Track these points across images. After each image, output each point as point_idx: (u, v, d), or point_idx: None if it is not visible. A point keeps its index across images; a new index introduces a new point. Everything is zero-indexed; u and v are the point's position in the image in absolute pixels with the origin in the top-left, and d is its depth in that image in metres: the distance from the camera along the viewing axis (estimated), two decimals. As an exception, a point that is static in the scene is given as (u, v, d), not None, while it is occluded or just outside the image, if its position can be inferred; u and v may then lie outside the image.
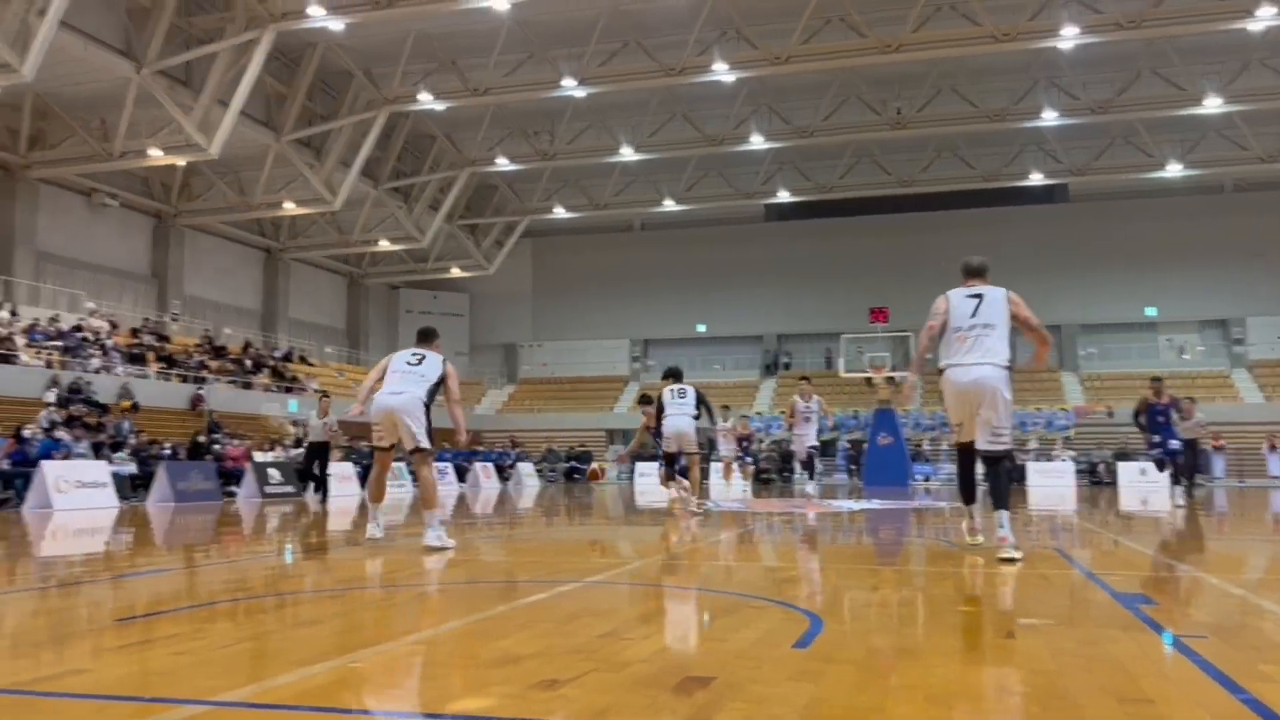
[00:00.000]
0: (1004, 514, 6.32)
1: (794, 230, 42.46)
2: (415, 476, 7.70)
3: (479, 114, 33.68)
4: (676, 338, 43.82)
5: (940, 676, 3.10)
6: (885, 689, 2.90)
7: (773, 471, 33.07)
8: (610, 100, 32.59)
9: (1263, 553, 8.08)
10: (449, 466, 27.32)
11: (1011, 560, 6.05)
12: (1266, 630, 3.95)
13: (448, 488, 25.41)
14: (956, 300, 6.56)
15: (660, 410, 12.13)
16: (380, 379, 7.77)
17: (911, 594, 5.17)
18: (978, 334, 6.36)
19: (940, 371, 6.55)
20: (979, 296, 6.50)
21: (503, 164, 35.74)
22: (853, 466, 32.71)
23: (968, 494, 7.04)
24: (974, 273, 6.75)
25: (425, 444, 7.43)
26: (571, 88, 29.37)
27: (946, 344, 6.42)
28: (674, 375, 12.53)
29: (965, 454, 6.71)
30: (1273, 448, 31.57)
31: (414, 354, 7.72)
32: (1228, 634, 3.76)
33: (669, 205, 38.99)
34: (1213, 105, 30.20)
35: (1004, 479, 6.51)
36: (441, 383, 7.73)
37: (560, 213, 40.32)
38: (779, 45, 27.78)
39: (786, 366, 43.51)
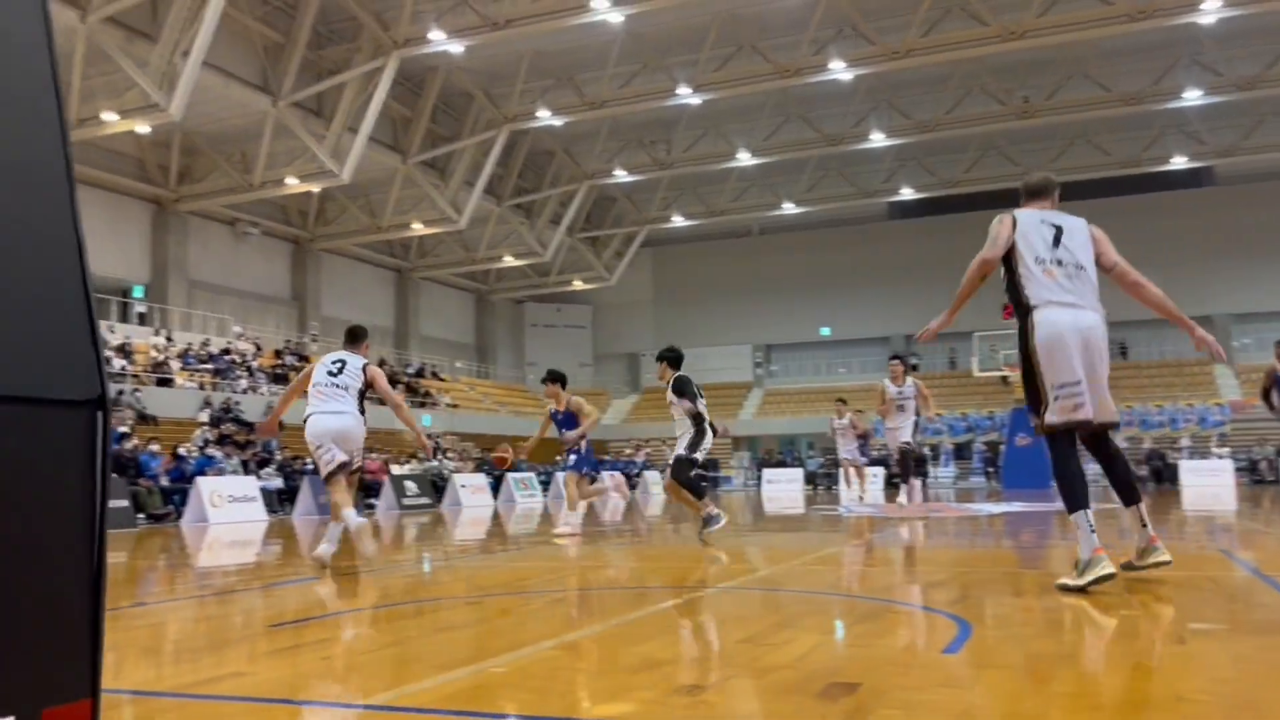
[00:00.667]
0: (1143, 506, 4.93)
1: (919, 228, 41.50)
2: (331, 490, 7.17)
3: (596, 127, 34.09)
4: (799, 342, 43.38)
5: (1106, 684, 2.91)
6: (1046, 697, 2.74)
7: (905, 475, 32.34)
8: (725, 106, 32.51)
9: None
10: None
11: (1166, 563, 4.85)
12: None
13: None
14: (1029, 224, 4.82)
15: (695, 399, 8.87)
16: (303, 390, 7.26)
17: (1074, 599, 4.91)
18: (1071, 273, 4.73)
19: (1026, 311, 4.76)
20: (1058, 227, 4.82)
21: (620, 175, 36.06)
22: (989, 469, 31.68)
23: (1083, 493, 4.68)
24: (1038, 192, 5.05)
25: (360, 463, 7.33)
26: (686, 95, 29.45)
27: (1029, 277, 4.74)
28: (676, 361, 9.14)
29: (1067, 439, 4.72)
30: None
31: (335, 361, 7.09)
32: None
33: (788, 208, 38.60)
34: (1374, 74, 28.20)
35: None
36: (368, 388, 7.07)
37: (679, 221, 40.41)
38: (897, 39, 27.22)
39: (914, 368, 42.52)
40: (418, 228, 33.25)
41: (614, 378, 45.76)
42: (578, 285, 42.74)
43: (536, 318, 45.38)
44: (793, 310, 42.81)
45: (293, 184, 27.90)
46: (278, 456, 20.00)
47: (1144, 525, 4.89)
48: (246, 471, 18.31)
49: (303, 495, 17.61)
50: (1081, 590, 4.53)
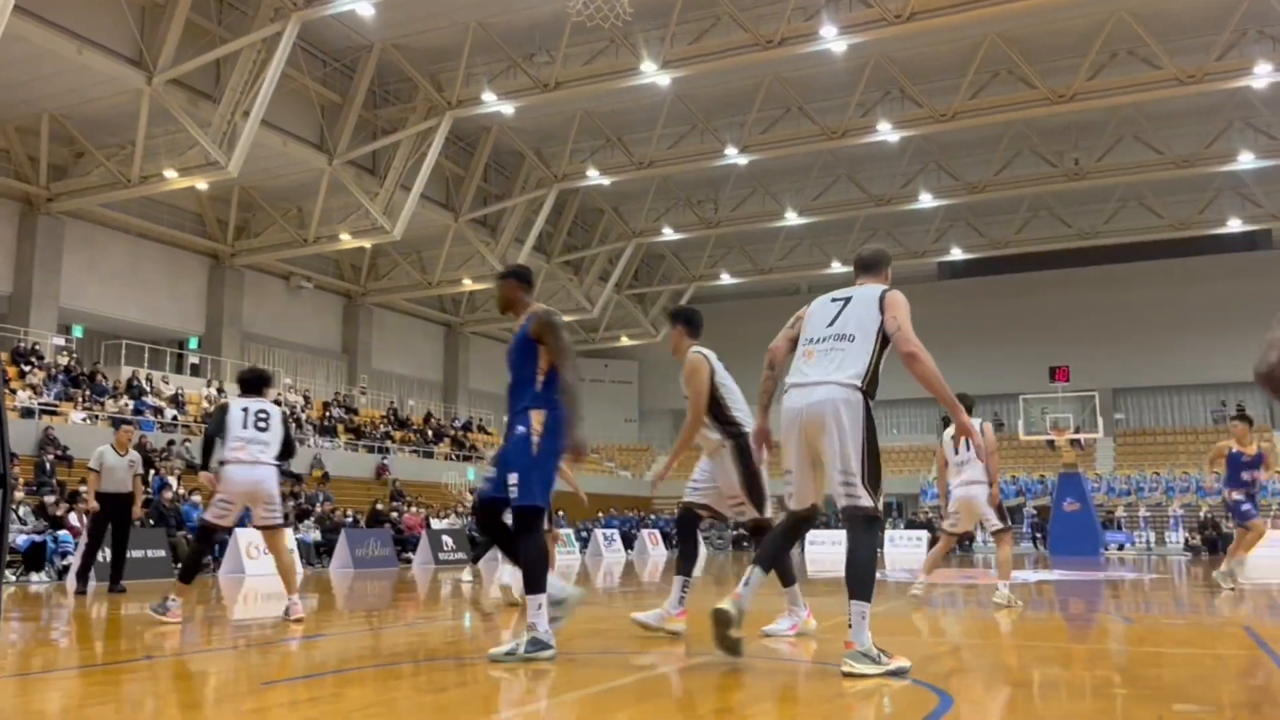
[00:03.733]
0: (863, 607, 4.34)
1: (969, 288, 41.21)
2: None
3: (644, 186, 34.54)
4: (847, 401, 42.95)
5: (1063, 767, 2.87)
6: (995, 779, 2.70)
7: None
8: (773, 166, 32.78)
9: None
10: (615, 534, 27.53)
11: (859, 676, 4.27)
12: None
13: (614, 554, 25.51)
14: (818, 306, 4.88)
15: None
16: None
17: (1065, 673, 4.82)
18: (829, 347, 4.63)
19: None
20: (846, 299, 4.76)
21: (668, 234, 36.42)
22: (1037, 534, 30.99)
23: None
24: (861, 266, 5.01)
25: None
26: (733, 156, 29.78)
27: (792, 364, 4.81)
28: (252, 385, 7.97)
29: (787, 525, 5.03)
30: None
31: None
32: None
33: (836, 268, 38.54)
34: None
35: (865, 553, 4.49)
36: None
37: (726, 279, 40.58)
38: (945, 102, 27.35)
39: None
40: (468, 284, 33.79)
41: (659, 434, 45.72)
42: (625, 341, 42.98)
43: (583, 373, 45.50)
44: (840, 369, 42.43)
45: (346, 240, 28.57)
46: (318, 509, 20.25)
47: (855, 628, 4.38)
48: (285, 524, 18.53)
49: (340, 548, 17.78)
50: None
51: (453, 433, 34.29)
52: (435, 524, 22.06)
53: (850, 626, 4.39)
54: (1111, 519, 30.99)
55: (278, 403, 27.19)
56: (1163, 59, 24.94)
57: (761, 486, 5.90)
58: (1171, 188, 33.79)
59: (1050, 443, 29.41)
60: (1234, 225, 34.29)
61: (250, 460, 7.39)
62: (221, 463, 7.49)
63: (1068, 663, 5.28)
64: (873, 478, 4.51)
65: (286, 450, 7.70)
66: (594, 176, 31.53)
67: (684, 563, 6.16)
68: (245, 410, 7.54)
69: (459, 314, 38.96)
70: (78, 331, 26.87)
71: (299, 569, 12.50)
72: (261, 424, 7.51)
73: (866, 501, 4.49)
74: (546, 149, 32.08)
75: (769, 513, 5.89)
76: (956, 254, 37.74)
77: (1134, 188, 33.85)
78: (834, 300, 4.81)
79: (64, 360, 23.80)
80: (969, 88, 26.88)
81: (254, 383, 7.86)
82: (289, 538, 15.92)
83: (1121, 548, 29.47)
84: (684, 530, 6.30)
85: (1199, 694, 4.08)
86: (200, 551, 7.71)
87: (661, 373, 45.45)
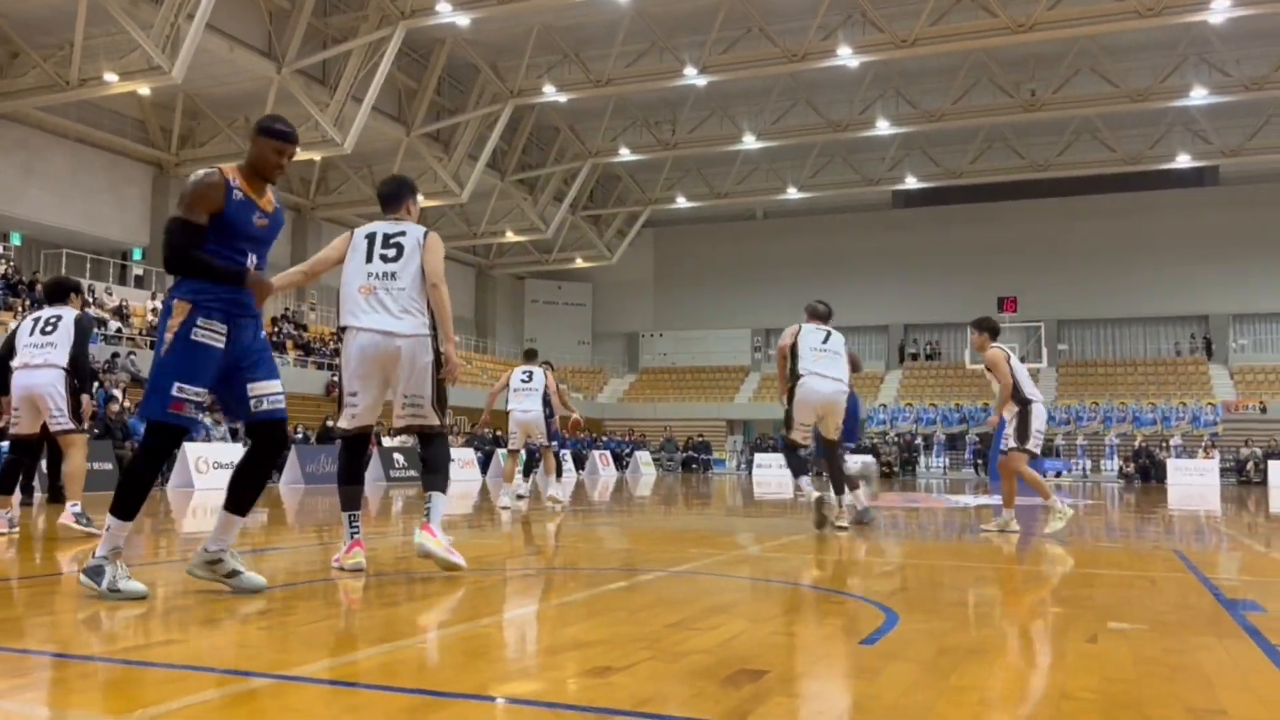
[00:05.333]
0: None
1: (922, 217, 41.46)
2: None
3: (601, 105, 34.01)
4: (799, 327, 43.31)
5: (1004, 680, 2.99)
6: (940, 690, 2.81)
7: (895, 464, 32.53)
8: (732, 88, 32.43)
9: None
10: (568, 454, 27.73)
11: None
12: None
13: (565, 475, 25.73)
14: (808, 329, 8.40)
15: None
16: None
17: (1005, 593, 5.00)
18: (831, 358, 8.20)
19: (796, 377, 8.18)
20: (827, 332, 8.40)
21: (625, 154, 36.01)
22: (979, 461, 31.80)
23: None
24: (818, 316, 8.59)
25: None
26: (693, 76, 29.38)
27: (802, 359, 8.19)
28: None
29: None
30: None
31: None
32: (1337, 647, 3.50)
33: (792, 193, 38.55)
34: (1382, 78, 28.03)
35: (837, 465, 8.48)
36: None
37: (682, 202, 40.37)
38: (906, 27, 27.13)
39: (914, 357, 42.63)
40: (419, 200, 33.18)
41: (611, 357, 45.84)
42: (579, 263, 42.73)
43: (537, 294, 45.40)
44: (793, 295, 42.38)
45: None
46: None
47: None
48: (235, 438, 18.41)
49: (290, 464, 17.73)
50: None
51: (404, 351, 34.05)
52: (387, 441, 22.02)
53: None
54: (1050, 447, 31.79)
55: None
56: (1123, -9, 24.92)
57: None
58: (1124, 122, 34.05)
59: (995, 371, 30.00)
60: (1183, 161, 34.72)
61: (29, 365, 7.09)
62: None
63: (1006, 583, 5.48)
64: (850, 430, 8.69)
65: (75, 361, 7.26)
66: (550, 93, 30.96)
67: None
68: (36, 320, 7.32)
69: (411, 231, 38.35)
70: (15, 239, 26.09)
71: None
72: (49, 328, 7.20)
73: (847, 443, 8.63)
74: (502, 63, 31.38)
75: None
76: (911, 182, 37.84)
77: (1088, 121, 34.05)
78: (817, 330, 8.40)
79: (1, 268, 23.13)
80: (930, 13, 26.67)
81: (55, 290, 7.62)
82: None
83: (1059, 475, 30.33)
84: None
85: (1134, 613, 4.26)
86: (14, 463, 7.45)
87: (616, 295, 45.43)
